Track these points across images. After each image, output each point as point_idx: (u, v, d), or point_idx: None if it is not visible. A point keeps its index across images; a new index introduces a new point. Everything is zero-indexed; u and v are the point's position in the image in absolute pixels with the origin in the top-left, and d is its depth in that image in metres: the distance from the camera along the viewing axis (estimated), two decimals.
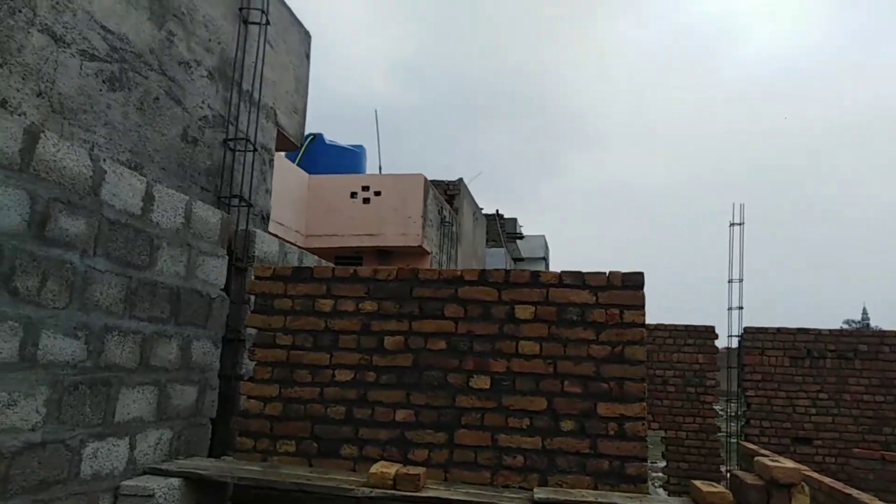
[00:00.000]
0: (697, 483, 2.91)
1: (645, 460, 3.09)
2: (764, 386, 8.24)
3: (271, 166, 4.78)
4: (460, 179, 11.96)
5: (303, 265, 4.51)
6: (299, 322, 3.58)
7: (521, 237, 22.18)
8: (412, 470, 2.96)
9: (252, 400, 3.50)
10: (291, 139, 5.16)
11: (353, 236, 9.97)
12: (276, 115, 4.81)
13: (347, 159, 11.14)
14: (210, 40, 3.99)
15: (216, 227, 3.66)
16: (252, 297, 3.78)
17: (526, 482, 3.14)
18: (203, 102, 3.90)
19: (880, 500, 4.58)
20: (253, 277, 3.74)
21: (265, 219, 4.71)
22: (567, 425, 3.18)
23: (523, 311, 3.35)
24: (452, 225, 11.15)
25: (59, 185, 2.53)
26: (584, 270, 3.35)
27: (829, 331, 8.19)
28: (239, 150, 4.24)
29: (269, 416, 3.46)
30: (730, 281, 9.36)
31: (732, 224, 8.95)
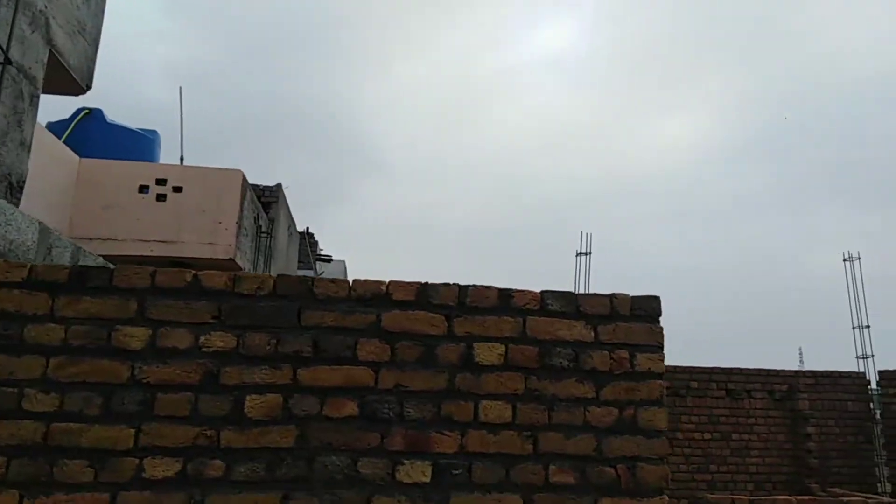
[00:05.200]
0: None
1: None
2: None
3: (34, 105, 2.94)
4: (279, 185, 10.26)
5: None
6: (77, 369, 1.91)
7: (329, 260, 20.53)
8: None
9: None
10: (74, 75, 3.32)
11: (137, 242, 7.75)
12: (48, 25, 2.99)
13: (136, 145, 8.84)
14: None
15: None
16: None
17: None
18: None
19: None
20: None
21: (14, 188, 2.85)
22: None
23: (488, 353, 2.11)
24: (269, 237, 9.41)
25: None
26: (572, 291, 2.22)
27: (665, 367, 8.12)
28: None
29: None
30: None
31: (579, 254, 8.63)
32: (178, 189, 7.88)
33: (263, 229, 9.17)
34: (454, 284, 2.17)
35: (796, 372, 8.45)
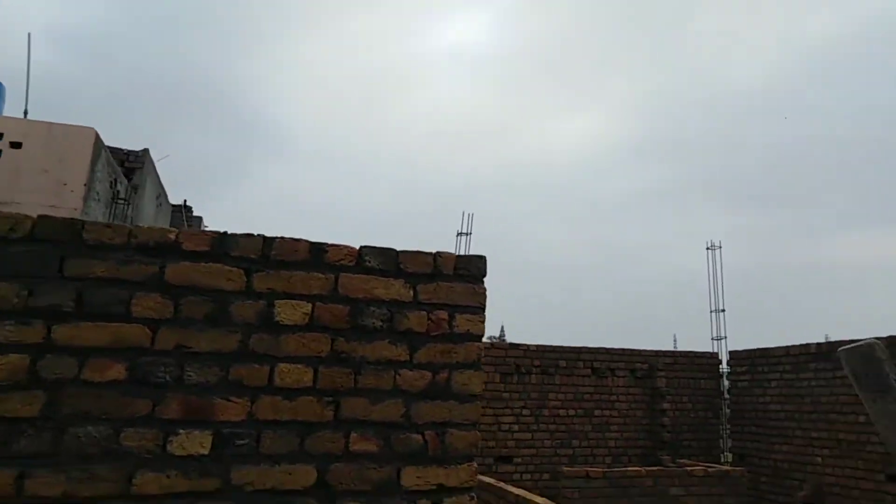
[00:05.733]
0: None
1: None
2: None
3: None
4: (146, 150, 9.43)
5: None
6: None
7: None
8: None
9: None
10: None
11: None
12: None
13: None
14: None
15: None
16: None
17: None
18: None
19: None
20: None
21: None
22: None
23: (291, 312, 1.90)
24: (128, 205, 8.62)
25: None
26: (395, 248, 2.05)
27: (537, 346, 8.31)
28: None
29: None
30: None
31: (460, 233, 8.59)
32: (16, 145, 7.00)
33: (122, 196, 8.38)
34: (258, 235, 1.94)
35: (656, 352, 8.92)
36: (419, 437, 1.92)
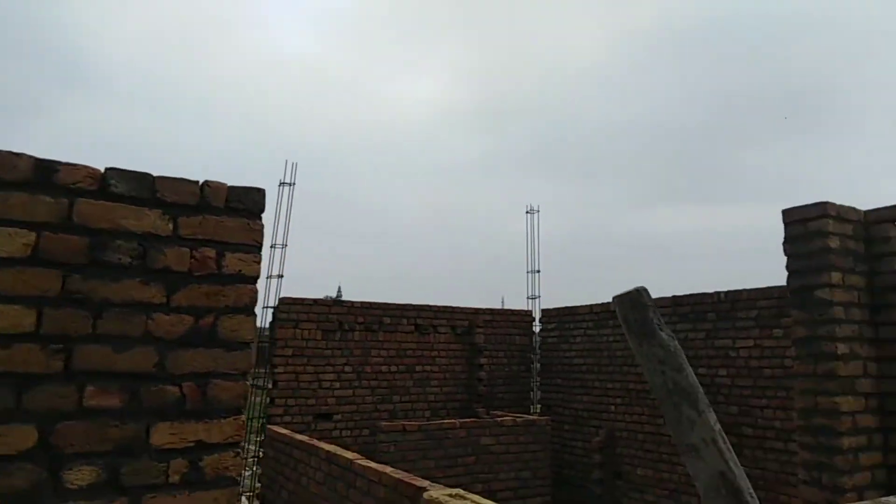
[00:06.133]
0: None
1: None
2: (294, 361, 7.70)
3: None
4: None
5: None
6: None
7: None
8: None
9: None
10: None
11: None
12: None
13: None
14: None
15: None
16: None
17: None
18: None
19: (393, 468, 4.40)
20: None
21: None
22: (80, 477, 1.56)
23: (7, 242, 1.54)
24: None
25: None
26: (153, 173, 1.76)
27: (361, 303, 8.21)
28: None
29: None
30: (272, 247, 8.52)
31: (282, 183, 8.13)
32: None
33: None
34: None
35: (476, 309, 9.26)
36: (176, 389, 1.69)
